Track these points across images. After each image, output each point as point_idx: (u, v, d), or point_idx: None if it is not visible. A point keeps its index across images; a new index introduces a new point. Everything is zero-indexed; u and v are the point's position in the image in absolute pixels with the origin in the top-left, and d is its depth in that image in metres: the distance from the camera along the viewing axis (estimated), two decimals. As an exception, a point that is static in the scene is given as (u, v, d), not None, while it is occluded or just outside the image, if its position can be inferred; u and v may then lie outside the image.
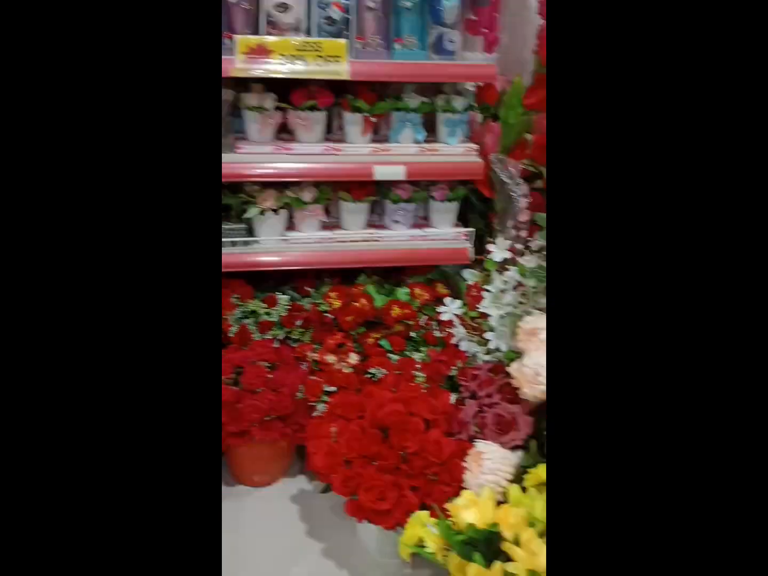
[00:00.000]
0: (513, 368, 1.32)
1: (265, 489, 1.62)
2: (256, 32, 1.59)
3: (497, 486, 1.24)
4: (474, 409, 1.42)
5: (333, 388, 1.59)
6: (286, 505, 1.57)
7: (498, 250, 1.66)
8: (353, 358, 1.63)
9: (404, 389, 1.50)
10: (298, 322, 1.71)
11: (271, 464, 1.63)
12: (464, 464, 1.31)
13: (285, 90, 1.68)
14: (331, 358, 1.62)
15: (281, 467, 1.65)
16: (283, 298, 1.74)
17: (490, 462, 1.25)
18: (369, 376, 1.63)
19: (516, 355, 1.37)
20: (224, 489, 1.59)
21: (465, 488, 1.29)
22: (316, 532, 1.51)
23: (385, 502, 1.29)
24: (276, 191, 1.71)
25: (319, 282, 1.85)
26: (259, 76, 1.57)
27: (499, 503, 1.20)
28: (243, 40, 1.54)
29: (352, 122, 1.72)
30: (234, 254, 1.69)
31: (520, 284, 1.58)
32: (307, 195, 1.72)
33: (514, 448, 1.29)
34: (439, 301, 1.83)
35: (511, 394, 1.36)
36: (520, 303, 1.58)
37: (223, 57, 1.50)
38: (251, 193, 1.72)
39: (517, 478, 1.25)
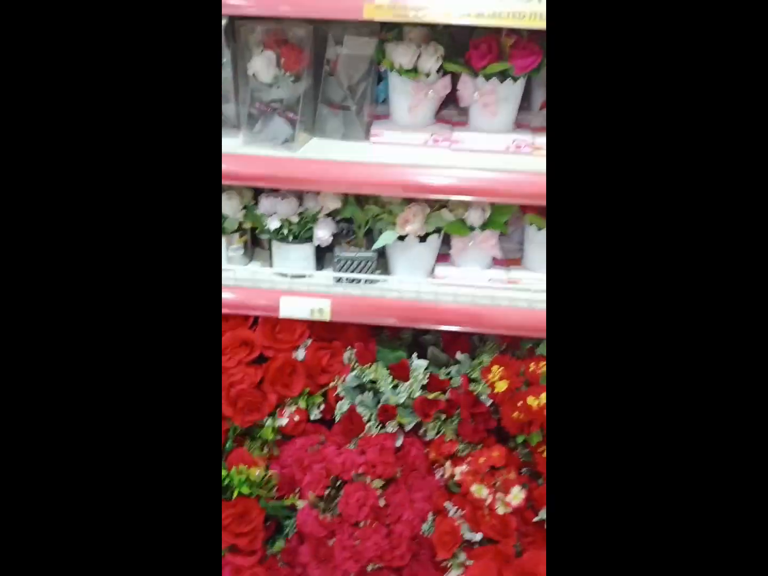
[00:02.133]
0: None
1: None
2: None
3: None
4: None
5: (477, 536, 1.00)
6: None
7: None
8: (517, 495, 1.01)
9: None
10: (438, 412, 1.12)
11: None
12: None
13: (457, 42, 1.04)
14: (480, 490, 1.02)
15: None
16: (418, 366, 1.14)
17: None
18: (540, 521, 1.02)
19: None
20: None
21: None
22: None
23: None
24: (427, 206, 1.09)
25: (477, 343, 1.22)
26: (412, 21, 0.90)
27: None
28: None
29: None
30: (353, 296, 1.11)
31: None
32: (476, 216, 1.07)
33: None
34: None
35: None
36: None
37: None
38: (388, 206, 1.10)
39: None
